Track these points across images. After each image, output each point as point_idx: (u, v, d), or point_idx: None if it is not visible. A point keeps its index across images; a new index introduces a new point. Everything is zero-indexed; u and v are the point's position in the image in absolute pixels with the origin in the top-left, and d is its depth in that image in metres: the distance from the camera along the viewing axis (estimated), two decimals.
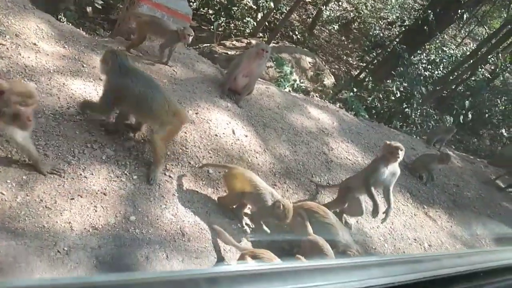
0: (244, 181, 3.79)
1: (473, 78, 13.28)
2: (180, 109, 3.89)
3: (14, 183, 3.03)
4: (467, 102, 11.80)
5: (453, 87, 12.83)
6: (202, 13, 11.82)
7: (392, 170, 4.35)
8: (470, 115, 11.73)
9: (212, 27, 11.17)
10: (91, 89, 4.19)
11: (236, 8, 11.64)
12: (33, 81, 3.86)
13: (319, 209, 3.96)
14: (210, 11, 11.83)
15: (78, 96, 4.02)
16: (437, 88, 11.82)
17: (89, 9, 8.58)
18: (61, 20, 7.04)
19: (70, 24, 6.37)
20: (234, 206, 3.92)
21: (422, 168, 6.08)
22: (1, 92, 2.68)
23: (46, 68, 4.11)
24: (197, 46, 10.14)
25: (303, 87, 9.86)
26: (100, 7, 8.76)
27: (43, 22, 4.71)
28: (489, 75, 13.52)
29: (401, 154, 4.26)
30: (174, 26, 5.24)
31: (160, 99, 3.64)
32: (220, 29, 11.26)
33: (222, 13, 11.06)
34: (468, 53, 13.94)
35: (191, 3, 10.62)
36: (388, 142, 4.41)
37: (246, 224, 3.87)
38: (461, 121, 11.53)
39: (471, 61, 12.31)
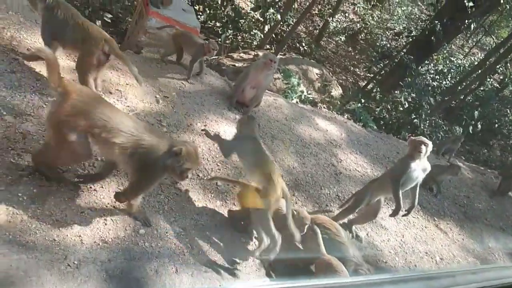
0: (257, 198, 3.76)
1: (481, 88, 13.20)
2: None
3: (25, 197, 3.05)
4: (476, 112, 11.70)
5: (462, 97, 12.75)
6: (210, 25, 11.92)
7: (422, 166, 4.25)
8: (479, 126, 11.63)
9: (219, 39, 11.24)
10: None
11: (243, 21, 11.73)
12: (44, 94, 3.90)
13: (331, 226, 3.91)
14: (218, 24, 11.92)
15: None
16: (446, 98, 11.76)
17: (98, 23, 8.67)
18: None
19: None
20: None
21: (432, 179, 6.02)
22: (177, 153, 2.95)
23: None
24: (205, 59, 10.20)
25: (311, 98, 9.87)
26: (109, 20, 8.87)
27: None
28: (498, 85, 13.42)
29: (424, 149, 4.12)
30: (200, 40, 5.42)
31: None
32: (227, 41, 11.33)
33: (230, 25, 11.14)
34: (476, 63, 13.88)
35: (199, 16, 10.73)
36: (412, 138, 4.34)
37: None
38: (471, 131, 11.44)
39: (480, 71, 12.26)
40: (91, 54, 3.87)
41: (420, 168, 4.23)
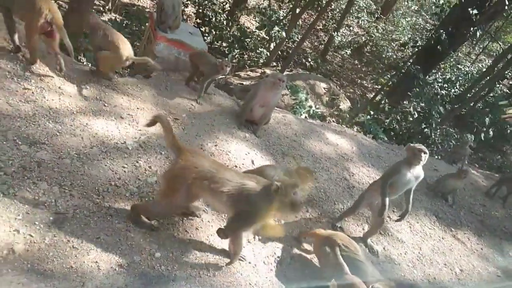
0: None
1: (491, 94, 13.09)
2: None
3: (42, 225, 3.09)
4: (487, 119, 11.58)
5: (472, 104, 12.65)
6: (216, 46, 12.09)
7: (416, 173, 4.31)
8: (491, 132, 11.50)
9: (226, 59, 11.40)
10: (113, 128, 4.29)
11: (249, 40, 11.89)
12: (57, 123, 3.98)
13: (350, 244, 3.85)
14: (224, 44, 12.10)
15: (101, 135, 4.11)
16: (455, 106, 11.68)
17: None
18: (81, 61, 7.30)
19: (90, 65, 6.59)
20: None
21: (446, 189, 5.95)
22: (276, 189, 3.17)
23: (69, 110, 4.24)
24: (218, 78, 10.33)
25: (319, 113, 9.88)
26: None
27: (65, 65, 4.88)
28: (507, 90, 13.31)
29: (424, 157, 4.21)
30: (214, 58, 5.61)
31: None
32: (234, 60, 11.48)
33: (236, 45, 11.30)
34: (484, 69, 13.81)
35: (205, 38, 10.90)
36: (412, 145, 4.39)
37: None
38: (482, 138, 11.31)
39: (488, 77, 12.18)
40: (35, 21, 4.18)
41: (413, 175, 4.28)
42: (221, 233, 3.45)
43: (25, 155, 3.50)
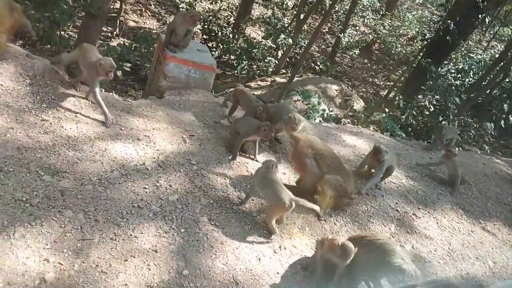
0: None
1: (507, 80, 12.82)
2: None
3: (70, 252, 3.14)
4: (505, 105, 11.34)
5: (488, 92, 12.41)
6: (225, 59, 12.19)
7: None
8: (511, 118, 11.26)
9: (235, 71, 11.48)
10: (131, 150, 4.35)
11: (256, 50, 11.94)
12: (77, 150, 4.05)
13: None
14: (232, 57, 12.18)
15: (120, 158, 4.18)
16: (471, 95, 11.49)
17: (119, 72, 9.01)
18: None
19: (103, 90, 6.71)
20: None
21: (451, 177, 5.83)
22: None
23: (87, 136, 4.32)
24: (224, 92, 10.40)
25: (333, 115, 9.83)
26: (128, 69, 9.21)
27: (80, 93, 4.99)
28: None
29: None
30: (254, 100, 5.48)
31: None
32: (243, 72, 11.54)
33: (244, 56, 11.36)
34: (497, 55, 13.55)
35: (213, 52, 11.00)
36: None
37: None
38: (503, 125, 11.08)
39: (502, 63, 11.95)
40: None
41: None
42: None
43: (48, 185, 3.58)
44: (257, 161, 4.98)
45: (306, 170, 4.62)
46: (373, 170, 5.30)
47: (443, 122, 10.15)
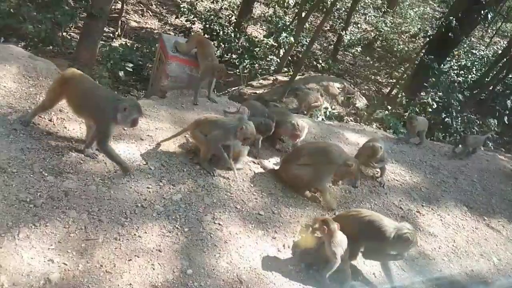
0: None
1: (510, 76, 12.78)
2: None
3: (74, 252, 3.15)
4: (508, 101, 11.31)
5: (491, 88, 12.38)
6: (226, 59, 12.19)
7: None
8: None
9: (237, 70, 11.47)
10: (134, 150, 4.36)
11: (258, 49, 11.95)
12: (80, 151, 4.06)
13: None
14: (234, 56, 12.18)
15: (123, 158, 4.18)
16: (474, 92, 11.47)
17: (121, 73, 9.03)
18: None
19: None
20: None
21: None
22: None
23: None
24: (226, 91, 10.41)
25: (336, 113, 9.83)
26: (131, 70, 9.23)
27: None
28: None
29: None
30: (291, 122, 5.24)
31: None
32: (245, 71, 11.53)
33: (245, 55, 11.37)
34: (500, 51, 13.52)
35: (215, 52, 10.99)
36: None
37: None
38: (506, 121, 11.05)
39: (505, 59, 11.92)
40: None
41: None
42: None
43: (52, 185, 3.59)
44: (259, 160, 4.98)
45: None
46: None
47: (446, 120, 10.14)
